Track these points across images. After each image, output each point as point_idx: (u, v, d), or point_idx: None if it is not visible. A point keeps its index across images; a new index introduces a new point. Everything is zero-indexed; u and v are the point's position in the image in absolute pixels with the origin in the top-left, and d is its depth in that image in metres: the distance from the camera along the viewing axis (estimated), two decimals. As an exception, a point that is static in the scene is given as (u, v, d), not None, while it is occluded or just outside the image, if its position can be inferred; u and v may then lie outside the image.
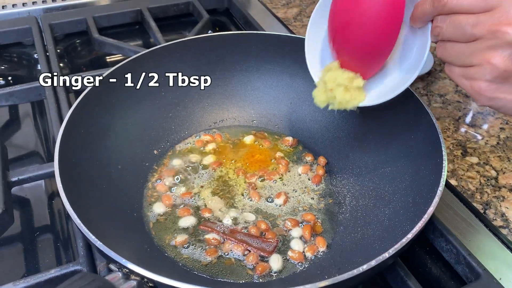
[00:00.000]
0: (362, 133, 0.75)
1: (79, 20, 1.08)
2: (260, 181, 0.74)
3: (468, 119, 0.94)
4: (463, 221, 0.71)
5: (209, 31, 1.11)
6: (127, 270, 0.46)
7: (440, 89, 1.01)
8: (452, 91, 1.01)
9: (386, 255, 0.47)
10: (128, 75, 0.74)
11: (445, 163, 0.57)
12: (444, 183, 0.55)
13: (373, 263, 0.46)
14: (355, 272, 0.45)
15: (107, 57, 1.09)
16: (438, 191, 0.54)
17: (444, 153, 0.59)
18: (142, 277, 0.46)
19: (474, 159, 0.84)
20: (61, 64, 0.96)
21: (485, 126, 0.92)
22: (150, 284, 0.46)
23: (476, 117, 0.94)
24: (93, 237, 0.49)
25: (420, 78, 1.03)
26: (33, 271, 0.66)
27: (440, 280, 0.64)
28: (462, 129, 0.91)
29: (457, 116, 0.94)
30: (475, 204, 0.74)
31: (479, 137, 0.89)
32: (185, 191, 0.72)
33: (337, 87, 0.61)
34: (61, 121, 0.65)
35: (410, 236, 0.49)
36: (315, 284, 0.44)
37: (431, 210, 0.52)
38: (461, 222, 0.71)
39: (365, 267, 0.46)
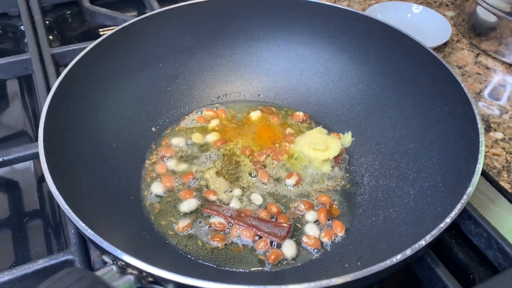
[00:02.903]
0: (381, 106, 0.68)
1: (69, -11, 1.00)
2: (269, 160, 0.67)
3: (490, 92, 0.87)
4: (490, 201, 0.65)
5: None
6: (123, 263, 0.39)
7: (459, 61, 0.94)
8: (471, 62, 0.93)
9: (422, 242, 0.41)
10: (122, 44, 0.67)
11: (482, 137, 0.51)
12: (483, 160, 0.48)
13: (408, 252, 0.40)
14: (388, 263, 0.39)
15: (100, 29, 1.02)
16: (477, 168, 0.47)
17: (480, 125, 0.52)
18: (140, 270, 0.39)
19: (499, 135, 0.78)
20: (50, 37, 0.89)
21: (509, 99, 0.85)
22: (150, 279, 0.39)
23: (498, 89, 0.87)
24: (83, 224, 0.42)
25: (437, 49, 0.96)
26: (22, 259, 0.61)
27: (468, 266, 0.59)
28: (484, 103, 0.85)
29: (478, 89, 0.87)
30: (502, 183, 0.68)
31: (503, 111, 0.83)
32: (187, 172, 0.65)
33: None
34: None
35: (448, 220, 0.43)
36: (343, 277, 0.37)
37: (470, 190, 0.46)
38: (487, 203, 0.65)
39: (399, 257, 0.40)
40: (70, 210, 0.43)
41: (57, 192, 0.45)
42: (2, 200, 0.68)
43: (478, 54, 0.95)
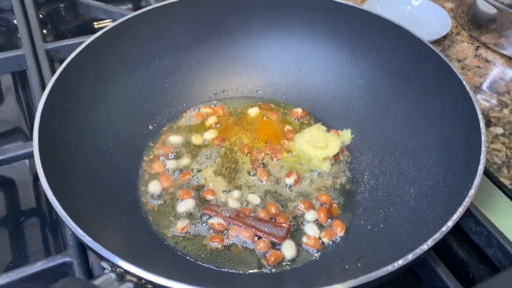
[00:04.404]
0: (381, 102, 0.68)
1: (62, -19, 0.98)
2: (268, 158, 0.66)
3: (489, 85, 0.86)
4: (490, 197, 0.65)
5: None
6: (122, 270, 0.39)
7: (458, 54, 0.93)
8: (471, 55, 0.93)
9: (424, 247, 0.40)
10: (117, 40, 0.65)
11: (484, 136, 0.50)
12: (485, 160, 0.48)
13: (410, 257, 0.40)
14: (390, 268, 0.39)
15: (95, 23, 1.01)
16: (479, 169, 0.47)
17: (482, 125, 0.51)
18: (139, 277, 0.39)
19: (499, 130, 0.77)
20: (44, 31, 0.87)
21: (509, 93, 0.84)
22: (149, 286, 0.39)
23: (498, 83, 0.87)
24: (81, 231, 0.41)
25: (436, 42, 0.94)
26: (20, 259, 0.61)
27: (468, 264, 0.59)
28: (484, 97, 0.84)
29: (478, 83, 0.87)
30: (502, 179, 0.68)
31: (503, 105, 0.82)
32: (185, 171, 0.65)
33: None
34: (45, 94, 0.58)
35: (450, 224, 0.42)
36: (345, 284, 0.37)
37: (472, 192, 0.45)
38: (488, 199, 0.64)
39: (400, 262, 0.39)
40: (67, 217, 0.43)
41: (53, 197, 0.44)
42: None
43: (478, 47, 0.94)
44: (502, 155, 0.73)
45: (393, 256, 0.42)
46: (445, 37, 0.96)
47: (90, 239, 0.41)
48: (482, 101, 0.83)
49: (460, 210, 0.43)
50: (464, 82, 0.57)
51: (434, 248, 0.52)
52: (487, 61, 0.91)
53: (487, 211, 0.60)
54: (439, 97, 0.60)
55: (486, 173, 0.67)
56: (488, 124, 0.78)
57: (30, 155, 0.64)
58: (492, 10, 0.90)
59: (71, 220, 0.43)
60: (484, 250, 0.57)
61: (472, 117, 0.53)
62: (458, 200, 0.46)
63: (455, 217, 0.43)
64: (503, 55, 0.92)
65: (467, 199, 0.45)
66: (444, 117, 0.58)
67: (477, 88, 0.86)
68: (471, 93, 0.55)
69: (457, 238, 0.60)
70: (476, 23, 0.95)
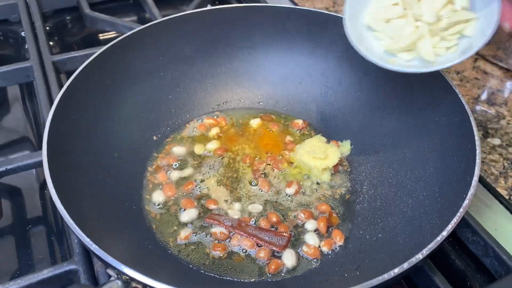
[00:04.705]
0: (380, 114, 0.69)
1: (69, -6, 1.00)
2: (269, 168, 0.68)
3: (487, 97, 0.88)
4: (487, 208, 0.66)
5: (208, 5, 1.03)
6: (127, 277, 0.40)
7: (457, 66, 0.95)
8: (469, 67, 0.94)
9: (419, 256, 0.42)
10: (123, 54, 0.67)
11: (478, 149, 0.51)
12: (479, 172, 0.49)
13: (405, 265, 0.41)
14: (386, 276, 0.40)
15: (100, 35, 1.03)
16: (473, 181, 0.48)
17: (477, 137, 0.53)
18: (144, 285, 0.40)
19: (496, 141, 0.79)
20: (50, 43, 0.90)
21: (506, 105, 0.86)
22: (154, 293, 0.40)
23: (496, 95, 0.88)
24: (88, 239, 0.43)
25: (435, 54, 0.96)
26: (26, 267, 0.62)
27: (465, 273, 0.60)
28: (482, 108, 0.85)
29: (476, 95, 0.88)
30: (499, 189, 0.69)
31: (501, 116, 0.83)
32: (188, 181, 0.66)
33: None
34: (52, 104, 0.59)
35: (445, 233, 0.44)
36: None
37: (466, 203, 0.46)
38: (485, 210, 0.66)
39: (396, 270, 0.41)
40: (75, 225, 0.44)
41: (62, 206, 0.46)
42: (5, 207, 0.68)
43: (476, 59, 0.96)
44: (499, 165, 0.75)
45: (390, 265, 0.44)
46: (444, 49, 0.98)
47: (97, 247, 0.42)
48: (480, 112, 0.84)
49: (454, 221, 0.45)
50: (460, 96, 0.58)
51: (432, 257, 0.54)
52: (485, 73, 0.93)
53: (484, 221, 0.62)
54: (436, 109, 0.61)
55: (483, 183, 0.68)
56: (486, 135, 0.80)
57: (37, 165, 0.65)
58: (490, 23, 0.91)
59: (78, 228, 0.44)
60: (481, 259, 0.58)
61: (467, 130, 0.55)
62: (453, 210, 0.48)
63: (450, 227, 0.44)
64: (501, 67, 0.93)
65: (461, 210, 0.46)
66: (440, 130, 0.60)
67: (475, 100, 0.87)
68: (466, 107, 0.57)
69: (455, 247, 0.61)
70: (474, 36, 0.97)
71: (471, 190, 0.48)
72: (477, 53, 0.96)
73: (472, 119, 0.55)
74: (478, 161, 0.50)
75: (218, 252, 0.58)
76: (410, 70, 0.56)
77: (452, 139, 0.58)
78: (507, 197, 0.69)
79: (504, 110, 0.85)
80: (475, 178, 0.49)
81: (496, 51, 0.93)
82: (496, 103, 0.86)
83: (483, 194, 0.67)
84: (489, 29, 0.52)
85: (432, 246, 0.43)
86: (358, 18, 0.60)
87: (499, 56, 0.92)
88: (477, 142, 0.52)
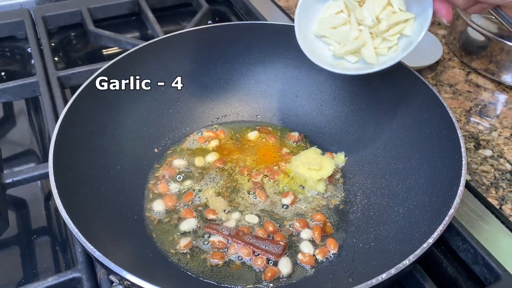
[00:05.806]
0: (373, 127, 0.71)
1: (73, 12, 1.03)
2: (266, 179, 0.70)
3: (479, 109, 0.90)
4: (479, 217, 0.68)
5: (209, 22, 1.07)
6: (129, 283, 0.42)
7: (450, 79, 0.97)
8: (462, 80, 0.97)
9: (406, 262, 0.44)
10: (126, 69, 0.70)
11: (464, 160, 0.54)
12: (464, 182, 0.52)
13: (392, 271, 0.43)
14: (374, 282, 0.42)
15: (104, 50, 1.06)
16: (459, 191, 0.51)
17: (463, 149, 0.55)
18: (145, 290, 0.42)
19: (488, 152, 0.81)
20: (55, 59, 0.93)
21: (498, 117, 0.88)
22: (154, 298, 0.42)
23: (488, 107, 0.91)
24: (92, 247, 0.45)
25: (429, 68, 0.99)
26: (31, 276, 0.64)
27: (457, 280, 0.61)
28: (474, 120, 0.88)
29: (468, 107, 0.91)
30: (490, 200, 0.71)
31: (492, 128, 0.86)
32: (188, 191, 0.68)
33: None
34: (57, 118, 0.62)
35: (431, 241, 0.46)
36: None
37: (451, 212, 0.49)
38: (476, 219, 0.68)
39: (384, 276, 0.43)
40: (79, 233, 0.47)
41: (67, 216, 0.48)
42: (10, 218, 0.69)
43: (469, 72, 0.99)
44: (491, 176, 0.77)
45: (381, 272, 0.46)
46: (437, 62, 1.00)
47: (100, 254, 0.45)
48: (472, 124, 0.87)
49: (440, 228, 0.47)
50: (448, 109, 0.61)
51: (424, 265, 0.56)
52: (477, 86, 0.96)
53: (475, 230, 0.64)
54: (425, 122, 0.64)
55: (475, 193, 0.70)
56: (478, 146, 0.82)
57: (43, 177, 0.67)
58: (482, 38, 0.94)
59: (83, 237, 0.47)
60: (471, 267, 0.60)
61: (455, 142, 0.57)
62: (441, 219, 0.50)
63: (435, 234, 0.47)
64: (493, 80, 0.96)
65: (446, 218, 0.48)
66: (430, 142, 0.62)
67: (468, 112, 0.90)
68: (454, 119, 0.59)
69: (446, 255, 0.63)
70: (467, 50, 0.99)
71: (457, 199, 0.50)
72: (470, 67, 0.99)
73: (459, 131, 0.57)
74: (463, 171, 0.53)
75: (217, 260, 0.60)
76: (355, 73, 0.60)
77: (441, 151, 0.60)
78: (498, 207, 0.71)
79: (495, 122, 0.87)
80: (461, 188, 0.51)
81: (488, 65, 0.95)
82: (488, 115, 0.89)
83: (474, 204, 0.69)
84: (425, 25, 0.55)
85: (418, 252, 0.45)
86: (308, 27, 0.63)
87: (491, 70, 0.95)
88: (463, 154, 0.55)
